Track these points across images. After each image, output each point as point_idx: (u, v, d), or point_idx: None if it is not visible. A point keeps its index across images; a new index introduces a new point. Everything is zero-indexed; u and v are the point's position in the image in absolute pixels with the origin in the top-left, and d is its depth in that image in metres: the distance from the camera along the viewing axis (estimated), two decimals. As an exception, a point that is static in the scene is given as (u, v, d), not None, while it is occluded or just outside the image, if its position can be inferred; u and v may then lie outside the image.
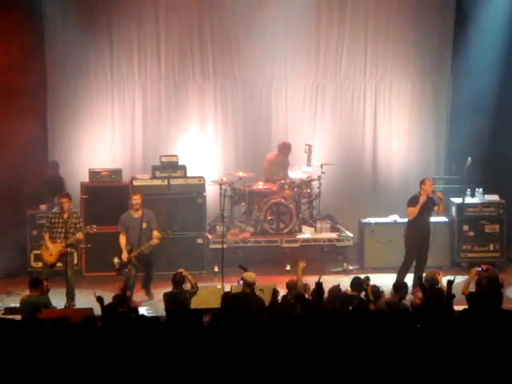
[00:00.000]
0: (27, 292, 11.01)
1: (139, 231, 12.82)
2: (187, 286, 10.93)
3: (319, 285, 9.81)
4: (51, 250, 12.41)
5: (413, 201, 13.06)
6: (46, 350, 7.44)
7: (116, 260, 12.87)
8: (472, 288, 10.25)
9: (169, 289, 10.95)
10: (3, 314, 10.97)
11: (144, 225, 12.87)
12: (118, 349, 7.45)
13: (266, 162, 15.29)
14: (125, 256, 12.78)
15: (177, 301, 10.45)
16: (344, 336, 7.58)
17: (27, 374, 7.24)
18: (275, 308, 9.58)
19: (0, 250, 13.92)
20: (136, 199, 12.99)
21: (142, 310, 9.78)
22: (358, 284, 10.36)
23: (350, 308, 9.38)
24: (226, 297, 9.78)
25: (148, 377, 7.20)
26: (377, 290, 10.25)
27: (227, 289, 11.69)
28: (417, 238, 13.02)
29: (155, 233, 12.91)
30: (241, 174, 14.90)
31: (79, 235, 12.51)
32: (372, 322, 7.76)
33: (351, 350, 7.36)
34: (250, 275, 10.77)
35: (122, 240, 12.92)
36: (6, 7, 14.22)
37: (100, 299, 9.66)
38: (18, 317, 10.27)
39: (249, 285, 10.59)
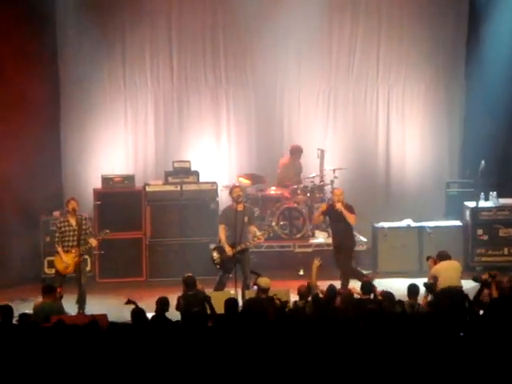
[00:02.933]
0: (40, 298, 11.01)
1: (241, 226, 12.29)
2: None
3: (331, 287, 9.84)
4: (66, 262, 12.20)
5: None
6: (70, 355, 7.48)
7: (215, 254, 12.38)
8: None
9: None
10: (16, 320, 10.96)
11: (246, 219, 12.36)
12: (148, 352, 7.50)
13: (279, 167, 15.26)
14: (229, 251, 12.24)
15: (197, 302, 10.30)
16: (359, 339, 7.57)
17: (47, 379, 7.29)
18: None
19: (14, 256, 13.97)
20: (237, 191, 12.41)
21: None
22: (369, 288, 10.33)
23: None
24: (229, 301, 9.65)
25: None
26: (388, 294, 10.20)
27: (240, 293, 11.72)
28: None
29: (255, 229, 12.42)
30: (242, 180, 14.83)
31: (92, 242, 12.41)
32: (392, 325, 7.78)
33: (366, 352, 7.35)
34: (264, 281, 10.72)
35: (223, 233, 12.40)
36: (20, 17, 14.25)
37: (130, 302, 9.56)
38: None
39: (263, 290, 10.55)
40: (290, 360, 7.37)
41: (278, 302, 9.88)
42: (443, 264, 11.20)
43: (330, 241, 14.55)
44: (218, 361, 7.38)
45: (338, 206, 12.59)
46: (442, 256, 11.34)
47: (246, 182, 14.88)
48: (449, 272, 10.98)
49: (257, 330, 7.88)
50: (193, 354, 7.48)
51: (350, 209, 12.78)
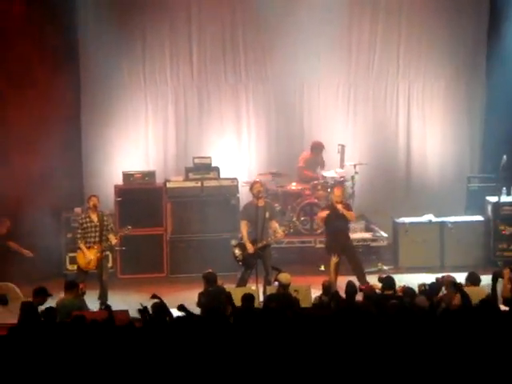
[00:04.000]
0: (63, 295, 11.06)
1: (263, 221, 12.26)
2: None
3: (351, 283, 9.84)
4: (88, 257, 12.28)
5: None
6: (88, 351, 7.52)
7: (237, 251, 12.40)
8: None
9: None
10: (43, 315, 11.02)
11: (267, 214, 12.33)
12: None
13: (300, 161, 15.26)
14: (250, 248, 12.22)
15: (217, 298, 10.28)
16: (383, 335, 7.57)
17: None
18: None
19: (36, 252, 14.00)
20: (257, 187, 12.43)
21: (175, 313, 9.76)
22: (390, 283, 10.29)
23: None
24: (245, 297, 9.64)
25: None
26: (409, 290, 10.16)
27: (261, 289, 11.72)
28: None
29: (276, 225, 12.41)
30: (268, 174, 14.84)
31: (111, 239, 12.41)
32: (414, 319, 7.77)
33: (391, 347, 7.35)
34: (285, 276, 10.73)
35: (244, 229, 12.37)
36: (42, 15, 14.33)
37: (155, 296, 9.57)
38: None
39: (284, 286, 10.55)
40: (313, 355, 7.37)
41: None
42: (471, 291, 10.20)
43: (350, 236, 14.60)
44: (237, 356, 7.39)
45: (340, 207, 12.52)
46: (474, 280, 10.57)
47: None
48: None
49: (278, 326, 7.88)
50: (212, 348, 7.49)
51: (348, 207, 12.79)
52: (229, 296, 9.83)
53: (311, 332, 7.65)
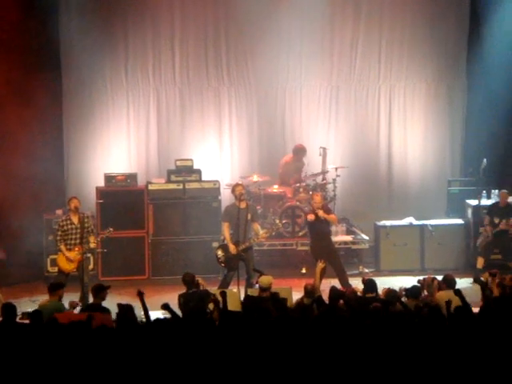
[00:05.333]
0: (46, 297, 11.01)
1: (245, 223, 12.28)
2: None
3: (334, 289, 9.81)
4: (70, 257, 12.22)
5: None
6: (63, 354, 7.48)
7: (220, 253, 12.41)
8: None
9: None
10: (20, 318, 10.97)
11: (249, 216, 12.34)
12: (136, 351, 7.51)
13: (281, 165, 15.29)
14: (233, 249, 12.24)
15: (195, 299, 10.27)
16: (364, 338, 7.59)
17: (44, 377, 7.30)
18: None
19: (17, 255, 13.98)
20: (239, 189, 12.42)
21: (158, 314, 9.72)
22: (372, 286, 10.31)
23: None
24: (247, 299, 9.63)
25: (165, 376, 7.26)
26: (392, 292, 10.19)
27: (242, 292, 11.71)
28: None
29: (258, 226, 12.45)
30: (255, 178, 14.91)
31: (93, 241, 12.34)
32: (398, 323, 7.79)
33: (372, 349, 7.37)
34: (266, 279, 10.66)
35: (227, 231, 12.38)
36: (22, 14, 14.26)
37: (140, 293, 9.53)
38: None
39: (264, 289, 10.52)
40: (293, 358, 7.38)
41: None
42: (446, 295, 9.96)
43: (332, 239, 14.65)
44: (215, 358, 7.39)
45: (321, 213, 12.48)
46: (449, 283, 10.34)
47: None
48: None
49: (257, 328, 7.88)
50: (190, 350, 7.48)
51: (328, 211, 12.80)
52: (215, 299, 9.80)
53: (289, 334, 7.64)
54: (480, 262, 13.75)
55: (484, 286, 9.78)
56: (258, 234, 12.45)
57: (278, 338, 7.63)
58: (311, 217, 12.54)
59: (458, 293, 9.17)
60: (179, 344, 7.60)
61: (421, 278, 10.82)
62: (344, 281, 12.42)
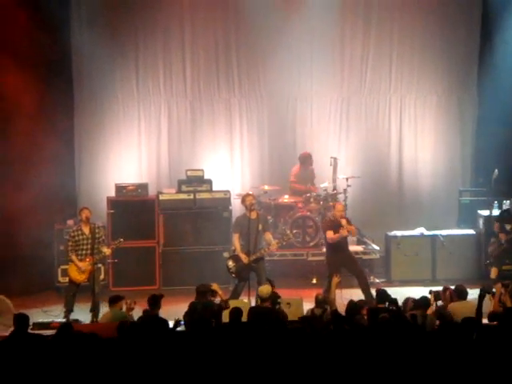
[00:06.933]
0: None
1: (256, 234, 12.31)
2: (216, 301, 10.77)
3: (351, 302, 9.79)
4: (82, 268, 12.24)
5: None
6: (76, 365, 7.49)
7: (231, 263, 12.41)
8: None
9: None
10: (31, 329, 11.00)
11: (260, 226, 12.36)
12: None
13: (291, 176, 15.31)
14: (245, 258, 12.25)
15: (196, 310, 10.25)
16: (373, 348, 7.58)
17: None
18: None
19: (28, 265, 14.00)
20: (250, 199, 12.47)
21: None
22: (384, 297, 10.28)
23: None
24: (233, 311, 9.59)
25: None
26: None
27: (253, 302, 11.69)
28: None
29: (270, 236, 12.45)
30: (266, 187, 14.96)
31: (105, 251, 12.40)
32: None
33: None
34: (265, 288, 10.54)
35: (237, 242, 12.39)
36: (35, 28, 14.33)
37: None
38: (47, 332, 10.27)
39: (263, 299, 10.39)
40: (300, 368, 7.37)
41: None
42: (458, 306, 10.19)
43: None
44: (217, 368, 7.38)
45: (344, 222, 12.51)
46: (460, 294, 10.41)
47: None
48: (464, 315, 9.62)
49: (261, 339, 7.86)
50: (191, 361, 7.48)
51: (349, 222, 12.80)
52: (214, 311, 9.78)
53: (294, 347, 7.61)
54: (494, 273, 13.63)
55: (484, 296, 9.62)
56: (270, 244, 12.41)
57: (285, 348, 7.61)
58: (333, 235, 12.43)
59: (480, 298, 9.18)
60: (181, 354, 7.60)
61: (433, 288, 10.76)
62: (365, 289, 12.42)
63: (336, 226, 12.54)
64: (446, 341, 7.74)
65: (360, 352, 7.56)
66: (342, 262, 12.54)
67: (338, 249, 12.60)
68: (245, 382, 7.26)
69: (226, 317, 9.89)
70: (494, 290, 10.26)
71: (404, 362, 7.38)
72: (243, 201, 12.65)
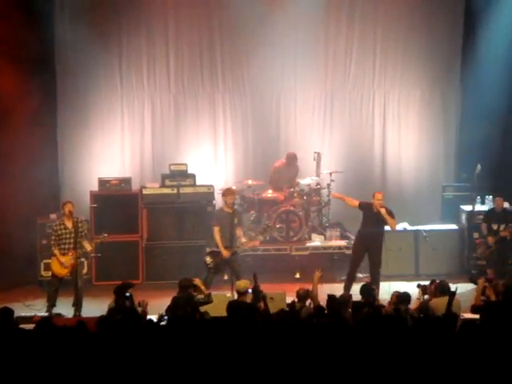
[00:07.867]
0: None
1: (231, 228, 12.56)
2: (199, 296, 10.80)
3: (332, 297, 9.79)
4: (65, 262, 12.21)
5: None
6: (59, 358, 7.47)
7: (209, 259, 12.54)
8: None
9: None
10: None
11: (235, 221, 12.62)
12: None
13: (272, 170, 15.30)
14: (227, 253, 12.46)
15: (179, 304, 10.26)
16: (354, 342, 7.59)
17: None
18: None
19: (10, 259, 13.96)
20: (232, 198, 12.75)
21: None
22: (368, 291, 10.29)
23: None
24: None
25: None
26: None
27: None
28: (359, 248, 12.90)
29: (240, 232, 12.63)
30: (250, 182, 14.97)
31: (87, 246, 12.37)
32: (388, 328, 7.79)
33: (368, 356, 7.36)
34: (242, 283, 10.59)
35: (218, 235, 12.57)
36: (17, 24, 14.27)
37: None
38: (29, 326, 10.24)
39: (240, 293, 10.38)
40: (279, 362, 7.37)
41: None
42: (440, 301, 9.95)
43: (326, 244, 14.67)
44: (195, 363, 7.38)
45: (383, 211, 12.59)
46: (442, 289, 10.20)
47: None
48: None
49: (240, 333, 7.86)
50: (172, 356, 7.47)
51: (391, 213, 12.78)
52: (194, 305, 9.79)
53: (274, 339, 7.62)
54: (490, 274, 13.49)
55: (455, 295, 9.62)
56: (240, 239, 12.58)
57: (262, 342, 7.61)
58: (354, 202, 12.81)
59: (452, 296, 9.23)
60: (165, 349, 7.59)
61: (421, 282, 10.76)
62: (374, 278, 12.52)
63: (369, 211, 12.70)
64: (425, 335, 7.77)
65: (342, 346, 7.56)
66: (367, 241, 12.68)
67: (369, 226, 12.75)
68: (224, 374, 7.25)
69: (210, 311, 9.94)
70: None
71: (386, 356, 7.39)
72: (225, 195, 12.71)
